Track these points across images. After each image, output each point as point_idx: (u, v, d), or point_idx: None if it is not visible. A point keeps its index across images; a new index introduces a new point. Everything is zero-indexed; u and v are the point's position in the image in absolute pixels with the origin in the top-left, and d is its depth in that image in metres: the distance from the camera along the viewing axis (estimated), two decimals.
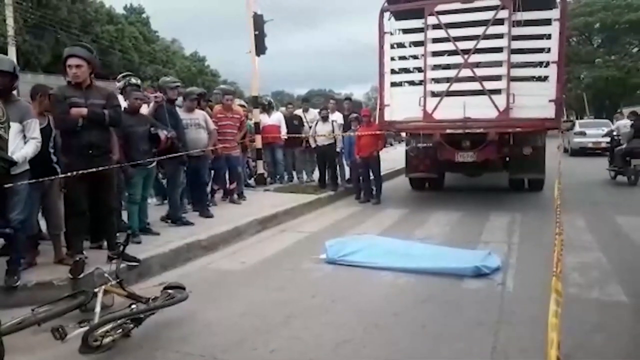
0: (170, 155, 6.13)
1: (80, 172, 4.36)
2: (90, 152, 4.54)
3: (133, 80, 6.68)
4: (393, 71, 8.74)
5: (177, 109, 7.02)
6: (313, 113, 10.96)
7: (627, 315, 3.82)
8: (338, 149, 10.06)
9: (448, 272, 4.78)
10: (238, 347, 3.35)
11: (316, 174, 10.70)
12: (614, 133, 12.11)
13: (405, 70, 9.19)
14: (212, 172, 8.17)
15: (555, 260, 2.15)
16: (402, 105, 8.52)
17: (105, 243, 5.10)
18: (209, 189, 8.07)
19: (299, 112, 11.15)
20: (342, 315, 3.92)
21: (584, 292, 4.32)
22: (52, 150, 4.76)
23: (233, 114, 8.45)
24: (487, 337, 3.43)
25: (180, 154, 6.38)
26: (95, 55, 4.69)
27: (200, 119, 7.23)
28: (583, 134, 18.93)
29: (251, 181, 10.71)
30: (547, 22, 7.79)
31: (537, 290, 4.06)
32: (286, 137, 10.45)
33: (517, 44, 7.84)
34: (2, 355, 2.23)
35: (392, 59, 8.70)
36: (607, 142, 13.03)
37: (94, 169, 4.44)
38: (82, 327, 3.15)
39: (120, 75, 6.99)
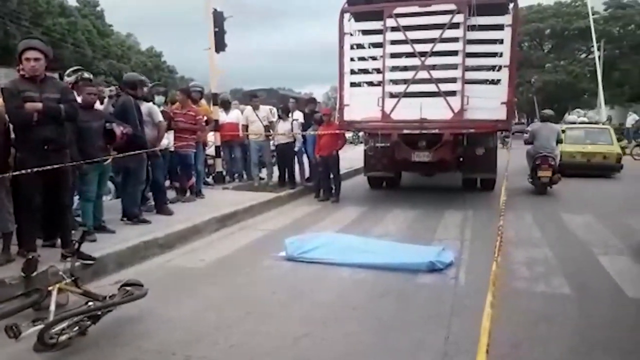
0: (129, 153, 6.04)
1: (36, 169, 4.26)
2: (46, 147, 4.44)
3: (86, 75, 6.52)
4: (352, 71, 8.89)
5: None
6: (265, 110, 10.51)
7: (570, 307, 4.06)
8: (296, 148, 10.09)
9: (404, 268, 4.92)
10: (198, 343, 3.37)
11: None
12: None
13: (365, 71, 9.35)
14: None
15: (496, 249, 2.30)
16: (361, 105, 8.68)
17: (59, 241, 4.98)
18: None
19: (248, 109, 10.63)
20: (302, 310, 4.00)
21: (531, 285, 4.57)
22: None
23: (187, 111, 8.29)
24: (440, 328, 3.58)
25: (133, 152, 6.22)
26: (50, 49, 4.60)
27: (144, 112, 6.87)
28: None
29: (209, 179, 10.62)
30: (500, 27, 8.10)
31: (486, 283, 4.24)
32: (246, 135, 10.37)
33: (471, 48, 8.12)
34: None
35: (352, 59, 8.84)
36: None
37: (50, 166, 4.35)
38: (36, 325, 3.09)
39: (71, 70, 6.72)
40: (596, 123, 16.45)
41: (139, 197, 6.83)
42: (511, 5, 8.11)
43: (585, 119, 16.99)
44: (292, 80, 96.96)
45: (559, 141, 10.39)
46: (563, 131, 12.22)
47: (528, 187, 10.10)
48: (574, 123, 15.27)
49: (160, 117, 7.21)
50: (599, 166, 12.50)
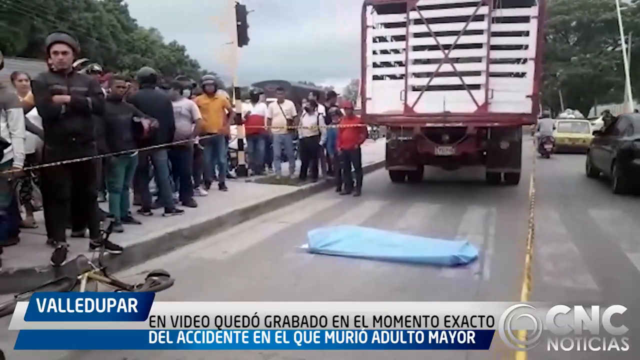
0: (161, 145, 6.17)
1: (66, 161, 4.36)
2: (74, 139, 4.54)
3: (96, 67, 6.64)
4: (375, 65, 8.83)
5: None
6: (289, 104, 10.49)
7: (596, 301, 3.98)
8: (321, 142, 10.08)
9: (427, 262, 4.90)
10: None
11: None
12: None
13: (387, 64, 9.29)
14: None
15: (529, 241, 2.28)
16: (384, 99, 8.63)
17: (87, 231, 5.09)
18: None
19: (273, 103, 10.73)
20: None
21: (557, 281, 4.51)
22: None
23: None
24: None
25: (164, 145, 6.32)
26: (78, 43, 4.69)
27: (184, 108, 7.17)
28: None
29: (232, 172, 10.70)
30: (525, 19, 7.97)
31: (511, 278, 4.21)
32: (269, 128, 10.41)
33: (496, 40, 8.00)
34: None
35: (374, 52, 8.79)
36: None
37: (77, 158, 4.45)
38: None
39: (79, 62, 6.80)
40: (580, 119, 23.40)
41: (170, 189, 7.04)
42: None
43: (573, 116, 24.58)
44: (314, 74, 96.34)
45: (554, 128, 18.42)
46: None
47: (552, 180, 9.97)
48: (565, 118, 22.62)
49: (199, 115, 7.48)
50: (579, 147, 17.46)
